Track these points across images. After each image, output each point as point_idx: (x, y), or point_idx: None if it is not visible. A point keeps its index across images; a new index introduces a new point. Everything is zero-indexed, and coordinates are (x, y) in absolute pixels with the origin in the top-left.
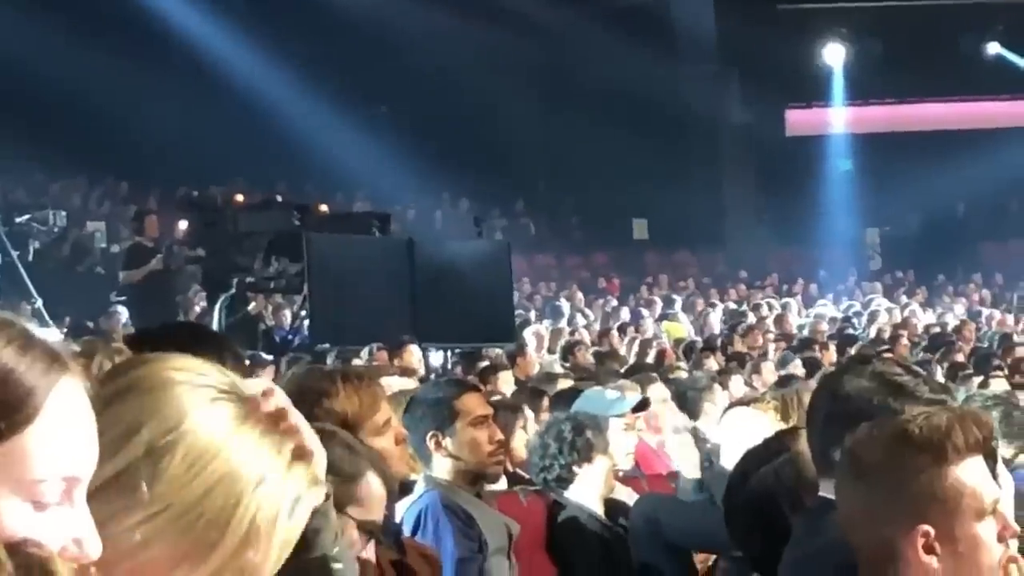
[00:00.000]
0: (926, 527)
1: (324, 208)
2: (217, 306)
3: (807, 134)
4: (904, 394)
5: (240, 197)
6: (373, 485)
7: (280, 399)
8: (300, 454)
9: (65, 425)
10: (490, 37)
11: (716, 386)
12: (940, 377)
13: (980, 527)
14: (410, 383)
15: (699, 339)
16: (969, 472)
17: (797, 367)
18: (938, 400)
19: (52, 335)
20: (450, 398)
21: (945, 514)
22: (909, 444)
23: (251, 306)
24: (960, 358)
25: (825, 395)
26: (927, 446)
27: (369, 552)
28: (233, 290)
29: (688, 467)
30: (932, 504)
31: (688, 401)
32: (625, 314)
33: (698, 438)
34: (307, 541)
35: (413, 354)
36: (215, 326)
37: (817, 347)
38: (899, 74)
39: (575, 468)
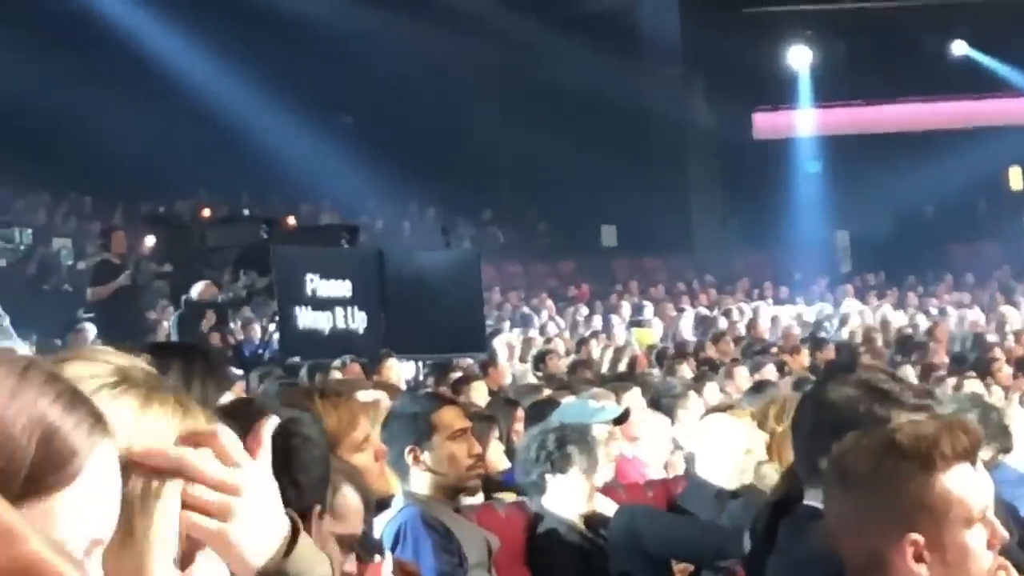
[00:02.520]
0: (915, 536)
1: (292, 221)
2: (170, 323)
3: (774, 137)
4: (889, 400)
5: (207, 212)
6: (350, 498)
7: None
8: None
9: (101, 490)
10: (453, 45)
11: (691, 393)
12: (913, 379)
13: (969, 535)
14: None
15: (670, 346)
16: (957, 480)
17: (770, 372)
18: (923, 406)
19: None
20: (428, 412)
21: (934, 522)
22: (897, 453)
23: (202, 323)
24: (934, 360)
25: (810, 403)
26: (915, 455)
27: (351, 566)
28: (182, 308)
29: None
30: (921, 513)
31: (662, 408)
32: (597, 322)
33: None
34: None
35: (392, 369)
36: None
37: (789, 351)
38: (865, 76)
39: (547, 477)
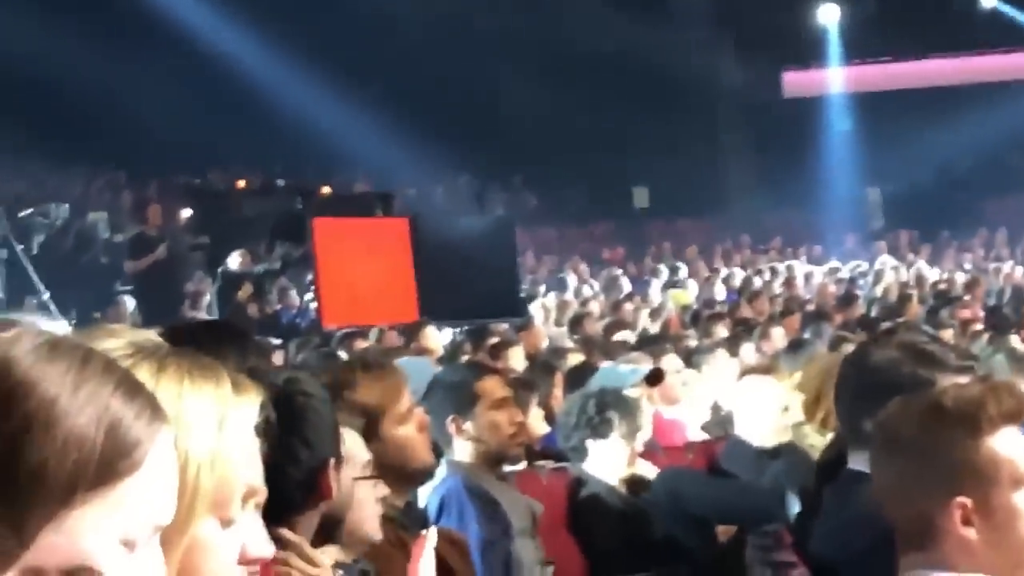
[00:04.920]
0: (963, 499)
1: (327, 190)
2: (211, 294)
3: (804, 95)
4: (932, 363)
5: (242, 183)
6: (348, 441)
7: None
8: None
9: (162, 477)
10: (483, 9)
11: (719, 351)
12: (950, 335)
13: (1017, 497)
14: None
15: (704, 307)
16: (1004, 442)
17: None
18: (966, 367)
19: (61, 327)
20: (470, 382)
21: (981, 486)
22: (943, 417)
23: (239, 294)
24: (969, 315)
25: (853, 367)
26: (961, 418)
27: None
28: (219, 280)
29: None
30: (968, 476)
31: (694, 365)
32: (628, 284)
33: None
34: None
35: (430, 336)
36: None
37: (827, 310)
38: (894, 32)
39: (588, 442)
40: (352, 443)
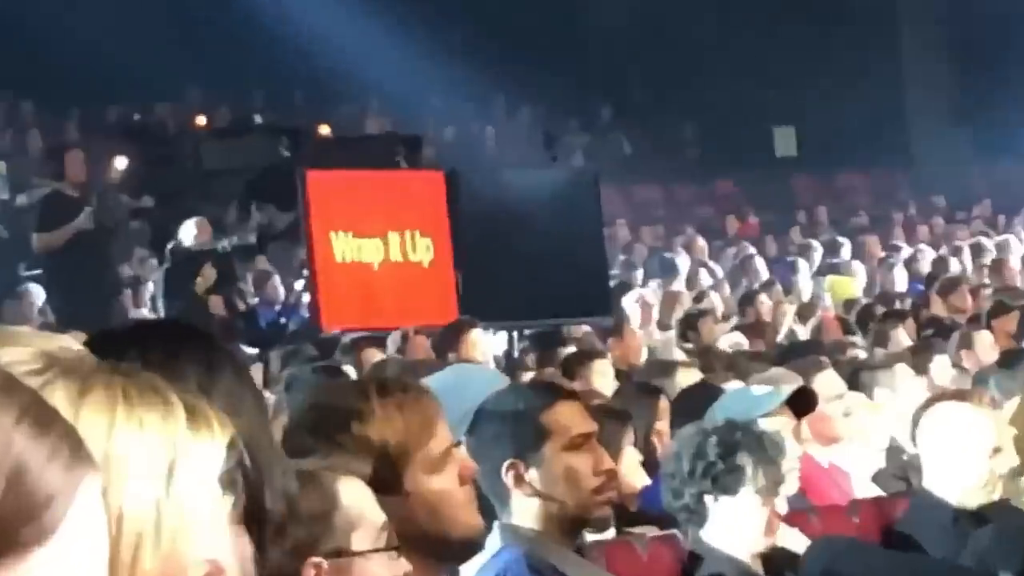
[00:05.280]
0: None
1: (325, 131)
2: (153, 282)
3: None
4: None
5: (201, 119)
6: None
7: None
8: None
9: (85, 548)
10: None
11: (898, 367)
12: None
13: None
14: None
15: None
16: None
17: None
18: None
19: None
20: (535, 411)
21: None
22: None
23: (197, 281)
24: None
25: None
26: None
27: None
28: (168, 260)
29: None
30: None
31: (861, 387)
32: (765, 268)
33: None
34: None
35: (476, 342)
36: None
37: None
38: None
39: (708, 499)
40: (360, 498)
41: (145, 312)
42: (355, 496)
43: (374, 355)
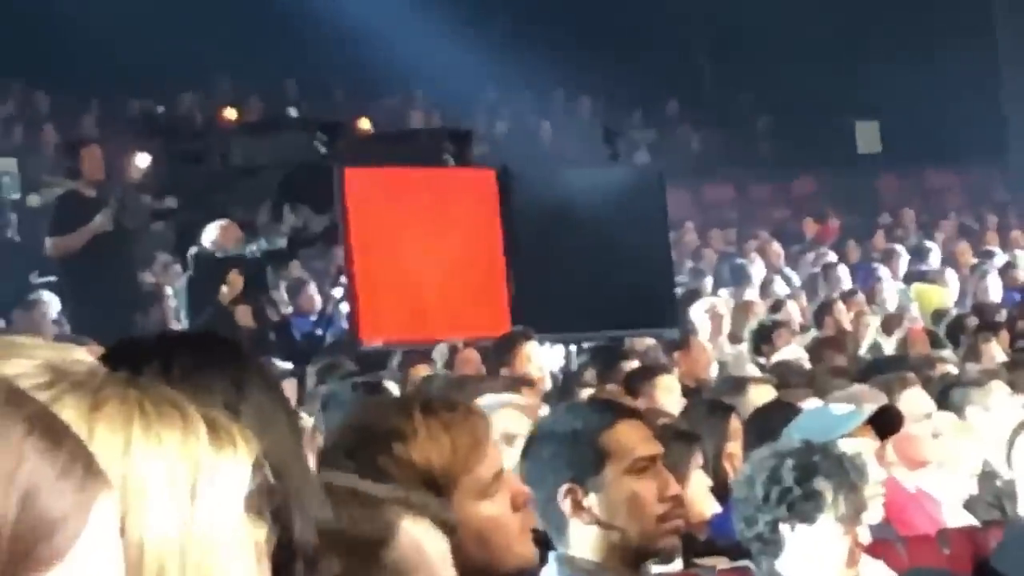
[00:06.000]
0: None
1: (366, 126)
2: (175, 290)
3: None
4: None
5: (230, 113)
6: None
7: None
8: None
9: (102, 563)
10: None
11: (993, 384)
12: None
13: None
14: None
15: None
16: None
17: None
18: None
19: None
20: (595, 431)
21: None
22: None
23: (223, 290)
24: None
25: None
26: None
27: None
28: (191, 267)
29: None
30: None
31: (951, 406)
32: (847, 275)
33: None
34: None
35: (531, 356)
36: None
37: None
38: None
39: (783, 528)
40: (429, 551)
41: (168, 322)
42: (422, 545)
43: (419, 370)
